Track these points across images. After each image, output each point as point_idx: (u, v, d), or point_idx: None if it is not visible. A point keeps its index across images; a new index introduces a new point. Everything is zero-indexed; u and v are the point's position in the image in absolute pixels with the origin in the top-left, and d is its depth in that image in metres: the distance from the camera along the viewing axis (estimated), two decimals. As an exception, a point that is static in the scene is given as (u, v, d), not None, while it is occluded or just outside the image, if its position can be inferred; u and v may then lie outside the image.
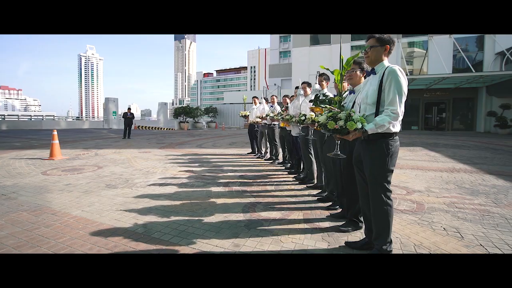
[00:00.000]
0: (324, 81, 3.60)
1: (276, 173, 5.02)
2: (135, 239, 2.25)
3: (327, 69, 2.26)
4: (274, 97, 6.35)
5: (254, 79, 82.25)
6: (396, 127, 1.86)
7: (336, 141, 2.05)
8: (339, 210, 2.89)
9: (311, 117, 3.02)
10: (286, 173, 5.00)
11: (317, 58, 26.49)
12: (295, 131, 4.65)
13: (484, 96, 20.59)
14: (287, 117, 3.78)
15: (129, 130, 12.44)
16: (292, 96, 5.25)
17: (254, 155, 7.27)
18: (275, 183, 4.27)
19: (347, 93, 2.39)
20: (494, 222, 2.78)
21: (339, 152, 2.03)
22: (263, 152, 6.89)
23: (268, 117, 5.80)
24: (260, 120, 6.61)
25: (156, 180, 4.34)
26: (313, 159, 4.17)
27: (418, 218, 2.84)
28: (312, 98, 3.05)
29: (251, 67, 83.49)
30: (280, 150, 6.18)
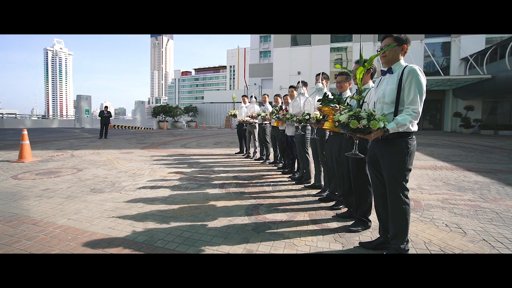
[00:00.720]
0: (324, 80, 3.58)
1: (270, 173, 4.94)
2: (137, 249, 2.05)
3: (345, 68, 2.20)
4: (266, 96, 6.26)
5: (234, 78, 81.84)
6: (415, 126, 1.86)
7: (355, 141, 2.00)
8: (345, 210, 2.87)
9: (315, 116, 2.96)
10: (280, 173, 4.94)
11: (298, 59, 26.91)
12: (290, 130, 4.60)
13: (450, 98, 22.10)
14: (287, 116, 3.70)
15: (106, 129, 11.74)
16: (286, 95, 5.20)
17: (243, 155, 7.14)
18: (271, 183, 4.18)
19: (370, 90, 2.33)
20: (488, 217, 2.91)
21: (357, 152, 1.98)
22: (251, 152, 6.78)
23: (260, 116, 5.71)
24: (250, 119, 6.50)
25: (146, 182, 4.07)
26: (310, 159, 4.15)
27: (419, 215, 2.89)
28: (315, 97, 3.00)
29: (231, 66, 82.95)
30: (271, 150, 6.11)
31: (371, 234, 2.43)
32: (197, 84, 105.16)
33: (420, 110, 1.79)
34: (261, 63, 39.60)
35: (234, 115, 7.10)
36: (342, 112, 1.87)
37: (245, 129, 7.10)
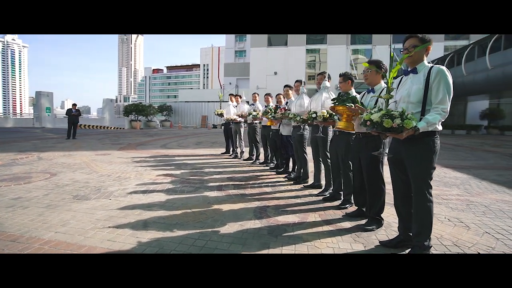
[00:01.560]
0: (327, 79, 3.56)
1: (264, 173, 4.84)
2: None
3: (376, 68, 2.15)
4: (256, 95, 6.14)
5: (207, 77, 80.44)
6: (440, 126, 1.87)
7: (383, 140, 1.97)
8: (355, 209, 2.85)
9: (322, 115, 2.91)
10: (274, 173, 4.86)
11: (274, 59, 27.15)
12: (286, 130, 4.54)
13: (416, 100, 23.76)
14: (290, 115, 3.62)
15: (75, 129, 10.79)
16: (278, 94, 5.13)
17: (229, 155, 6.95)
18: (269, 184, 4.08)
19: (394, 88, 2.28)
20: (480, 210, 3.08)
21: (386, 151, 1.95)
22: (238, 152, 6.61)
23: (251, 115, 5.58)
24: (239, 118, 6.33)
25: (135, 187, 3.74)
26: (308, 158, 4.12)
27: (422, 212, 2.98)
28: (321, 95, 2.96)
29: (204, 65, 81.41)
30: (261, 150, 6.01)
31: (386, 232, 2.44)
32: (169, 83, 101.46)
33: (449, 109, 1.81)
34: (236, 62, 39.38)
35: (221, 114, 6.87)
36: (372, 111, 1.83)
37: (230, 128, 6.91)
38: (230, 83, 32.73)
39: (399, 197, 2.14)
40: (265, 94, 5.72)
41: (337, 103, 2.52)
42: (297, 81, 4.17)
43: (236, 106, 6.54)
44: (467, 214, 2.94)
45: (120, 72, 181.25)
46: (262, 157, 5.99)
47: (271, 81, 26.92)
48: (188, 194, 3.45)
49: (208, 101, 27.48)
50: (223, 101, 7.76)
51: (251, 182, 4.15)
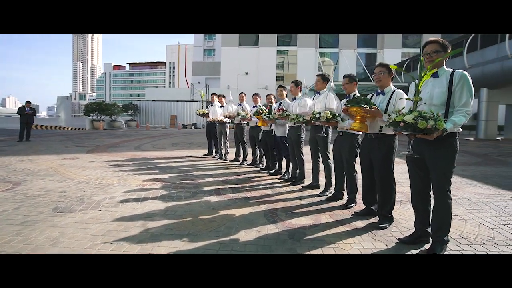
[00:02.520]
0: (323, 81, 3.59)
1: (257, 175, 4.74)
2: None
3: (402, 69, 2.17)
4: (243, 95, 6.00)
5: (173, 75, 77.63)
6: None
7: (410, 140, 2.00)
8: (362, 208, 2.89)
9: (326, 115, 2.90)
10: (266, 174, 4.78)
11: (246, 59, 27.09)
12: (280, 131, 4.49)
13: (378, 101, 25.56)
14: (293, 116, 3.56)
15: (28, 130, 9.55)
16: (269, 95, 5.06)
17: (213, 157, 6.71)
18: (267, 186, 3.99)
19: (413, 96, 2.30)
20: (466, 203, 3.34)
21: (412, 152, 1.99)
22: (223, 153, 6.41)
23: (240, 116, 5.43)
24: (224, 119, 6.14)
25: (124, 195, 3.37)
26: (305, 159, 4.11)
27: (420, 208, 3.13)
28: (328, 95, 2.96)
29: (170, 62, 78.38)
30: (249, 151, 5.89)
31: (398, 229, 2.50)
32: (132, 80, 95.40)
33: (472, 111, 1.90)
34: (205, 61, 38.55)
35: (203, 115, 6.60)
36: (404, 113, 1.85)
37: (215, 129, 6.67)
38: (198, 82, 31.90)
39: (416, 195, 2.21)
40: (253, 94, 5.61)
41: (349, 105, 2.53)
42: (292, 82, 4.14)
43: (221, 106, 6.32)
44: (457, 207, 3.16)
45: (75, 68, 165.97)
46: (249, 158, 5.87)
47: (242, 81, 26.82)
48: (186, 200, 3.21)
49: (178, 101, 26.45)
50: (205, 101, 7.47)
51: (248, 185, 4.02)
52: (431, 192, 2.16)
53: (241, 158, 6.00)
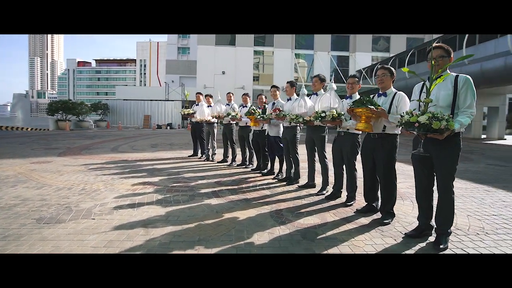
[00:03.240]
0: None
1: (250, 175, 4.68)
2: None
3: (413, 72, 2.24)
4: (231, 95, 5.89)
5: (145, 73, 74.50)
6: None
7: (421, 140, 2.08)
8: (364, 205, 2.96)
9: (331, 114, 2.94)
10: (259, 175, 4.74)
11: (223, 58, 26.79)
12: (273, 131, 4.47)
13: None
14: (291, 116, 3.54)
15: (-15, 131, 8.52)
16: (260, 95, 5.03)
17: (199, 158, 6.52)
18: (264, 187, 3.95)
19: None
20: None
21: (423, 151, 2.07)
22: (210, 154, 6.26)
23: (230, 116, 5.32)
24: (212, 119, 5.99)
25: (115, 200, 3.13)
26: (300, 159, 4.14)
27: (411, 202, 3.30)
28: (331, 96, 3.00)
29: (141, 60, 75.07)
30: (237, 151, 5.81)
31: (399, 224, 2.61)
32: (99, 78, 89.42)
33: (475, 112, 2.03)
34: (179, 59, 37.52)
35: (188, 114, 6.37)
36: (417, 114, 1.92)
37: (202, 130, 6.49)
38: (172, 81, 30.96)
39: (421, 192, 2.32)
40: (243, 94, 5.55)
41: (354, 106, 2.59)
42: (288, 82, 4.15)
43: (208, 106, 6.16)
44: (461, 204, 3.36)
45: (33, 63, 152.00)
46: (238, 159, 5.78)
47: (219, 81, 26.49)
48: (186, 204, 3.06)
49: (151, 100, 25.40)
50: (184, 100, 7.24)
51: (244, 186, 3.95)
52: (434, 188, 2.29)
53: (229, 159, 5.90)
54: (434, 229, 2.30)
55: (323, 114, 2.93)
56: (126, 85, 75.65)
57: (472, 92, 2.03)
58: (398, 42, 27.71)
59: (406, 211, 2.99)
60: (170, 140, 11.15)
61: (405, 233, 2.37)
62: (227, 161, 5.94)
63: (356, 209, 2.96)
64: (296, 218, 2.71)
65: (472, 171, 5.46)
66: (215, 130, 6.22)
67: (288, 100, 4.17)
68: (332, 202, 3.26)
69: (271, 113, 4.00)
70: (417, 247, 2.17)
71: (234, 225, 2.49)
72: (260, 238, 2.23)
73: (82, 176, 4.29)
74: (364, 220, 2.69)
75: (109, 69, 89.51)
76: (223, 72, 26.78)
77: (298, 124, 3.97)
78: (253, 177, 4.54)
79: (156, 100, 25.47)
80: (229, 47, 27.03)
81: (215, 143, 6.27)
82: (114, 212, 2.73)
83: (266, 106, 4.60)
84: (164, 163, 5.75)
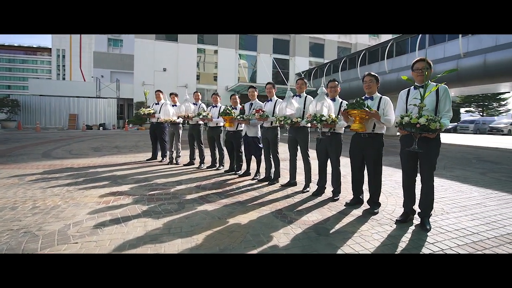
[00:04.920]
0: (304, 85, 3.82)
1: (228, 177, 4.55)
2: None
3: (411, 80, 2.50)
4: (198, 94, 5.59)
5: (64, 66, 64.12)
6: None
7: (415, 138, 2.37)
8: (351, 198, 3.23)
9: (331, 118, 3.10)
10: (237, 176, 4.65)
11: (163, 54, 25.15)
12: (252, 131, 4.45)
13: (293, 103, 28.47)
14: (280, 118, 3.56)
15: None
16: (234, 95, 4.92)
17: (160, 161, 6.01)
18: (249, 188, 3.90)
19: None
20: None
21: (416, 147, 2.37)
22: (174, 157, 5.84)
23: (201, 116, 5.06)
24: (178, 119, 5.59)
25: (91, 217, 2.62)
26: (280, 158, 4.24)
27: (399, 192, 3.75)
28: (324, 99, 3.18)
29: (59, 50, 64.20)
30: (206, 152, 5.57)
31: (386, 212, 2.94)
32: (-1, 68, 72.61)
33: (452, 115, 2.44)
34: (110, 52, 33.59)
35: (149, 115, 5.79)
36: (417, 116, 2.20)
37: (163, 131, 5.98)
38: (102, 76, 27.53)
39: (409, 182, 2.68)
40: (213, 94, 5.36)
41: (349, 108, 2.80)
42: (269, 83, 4.18)
43: (173, 105, 5.71)
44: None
45: None
46: (207, 160, 5.55)
47: (159, 78, 24.79)
48: (179, 213, 2.79)
49: (78, 97, 22.06)
50: (116, 98, 6.58)
51: (228, 189, 3.82)
52: (417, 178, 2.67)
53: (196, 161, 5.62)
54: (418, 213, 2.68)
55: (324, 118, 3.06)
56: (38, 77, 63.48)
57: (449, 98, 2.44)
58: (330, 50, 30.77)
59: (382, 200, 3.37)
60: (113, 143, 9.91)
61: (396, 220, 2.69)
62: (194, 164, 5.64)
63: (346, 203, 3.21)
64: (299, 216, 2.78)
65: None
66: (180, 131, 5.82)
67: (268, 101, 4.22)
68: (320, 198, 3.45)
69: (254, 114, 3.97)
70: (410, 230, 2.50)
71: (246, 229, 2.40)
72: (280, 239, 2.22)
73: (23, 191, 3.46)
74: (357, 212, 2.95)
75: (14, 57, 73.20)
76: (164, 69, 25.14)
77: (279, 125, 4.07)
78: (231, 179, 4.43)
79: (83, 97, 22.19)
80: (170, 42, 25.52)
81: (180, 145, 5.87)
82: (99, 232, 2.30)
83: (240, 106, 4.56)
84: (122, 169, 5.09)
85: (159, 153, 6.19)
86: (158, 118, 5.86)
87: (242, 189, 3.81)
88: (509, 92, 30.46)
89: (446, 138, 15.49)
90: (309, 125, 3.70)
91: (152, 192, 3.52)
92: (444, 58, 13.51)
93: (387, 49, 17.51)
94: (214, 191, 3.68)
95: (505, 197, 3.65)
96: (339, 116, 3.21)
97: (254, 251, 2.00)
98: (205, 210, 2.88)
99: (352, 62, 21.36)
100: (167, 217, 2.66)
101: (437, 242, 2.26)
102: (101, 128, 20.27)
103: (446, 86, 2.47)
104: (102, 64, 29.76)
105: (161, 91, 6.03)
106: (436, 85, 2.44)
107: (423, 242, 2.26)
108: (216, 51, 27.14)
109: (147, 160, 6.14)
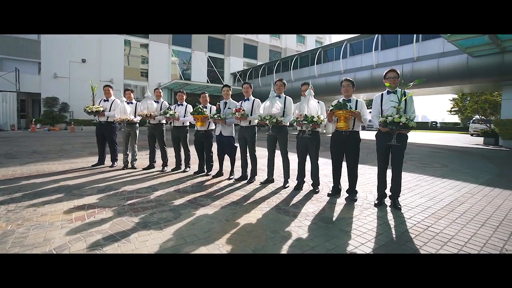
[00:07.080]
0: (283, 86, 4.00)
1: (203, 179, 4.38)
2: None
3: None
4: (160, 91, 5.12)
5: None
6: None
7: (394, 134, 2.83)
8: (332, 189, 3.61)
9: (320, 119, 3.33)
10: (211, 177, 4.52)
11: (83, 43, 21.80)
12: (227, 131, 4.40)
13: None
14: (267, 117, 3.61)
15: None
16: (203, 93, 4.74)
17: (110, 166, 5.27)
18: (232, 187, 3.87)
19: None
20: (375, 178, 4.93)
21: (395, 141, 2.84)
22: (130, 160, 5.24)
23: (168, 114, 4.68)
24: (136, 118, 5.01)
25: (75, 238, 2.16)
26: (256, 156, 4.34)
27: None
28: (311, 101, 3.45)
29: None
30: (168, 154, 5.20)
31: (362, 197, 3.42)
32: None
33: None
34: (7, 35, 26.89)
35: (98, 112, 5.00)
36: (398, 116, 2.66)
37: (114, 132, 5.27)
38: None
39: (383, 171, 3.20)
40: (178, 92, 5.03)
41: (334, 109, 3.14)
42: (246, 83, 4.21)
43: (129, 103, 5.07)
44: (374, 178, 4.62)
45: None
46: (170, 163, 5.19)
47: (76, 70, 21.34)
48: (180, 221, 2.58)
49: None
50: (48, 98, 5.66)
51: (212, 190, 3.71)
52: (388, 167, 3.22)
53: (157, 164, 5.18)
54: (389, 196, 3.22)
55: (315, 119, 3.28)
56: None
57: (413, 102, 3.01)
58: (263, 52, 32.19)
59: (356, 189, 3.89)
60: (29, 147, 8.08)
61: (374, 203, 3.17)
62: (154, 167, 5.18)
63: (328, 193, 3.57)
64: (297, 209, 2.96)
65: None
66: (137, 132, 5.24)
67: (245, 100, 4.25)
68: (302, 192, 3.72)
69: (235, 113, 3.95)
70: (388, 210, 3.01)
71: (262, 228, 2.43)
72: (298, 232, 2.34)
73: None
74: (340, 201, 3.33)
75: None
76: (84, 60, 21.73)
77: (258, 124, 4.17)
78: (206, 180, 4.30)
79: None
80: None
81: (136, 147, 5.29)
82: (102, 251, 1.94)
83: (210, 105, 4.46)
84: (67, 178, 4.26)
85: (108, 157, 5.42)
86: (108, 117, 5.13)
87: (226, 190, 3.75)
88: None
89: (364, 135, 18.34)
90: (288, 124, 3.94)
91: (131, 202, 3.11)
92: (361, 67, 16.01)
93: (316, 56, 19.51)
94: (198, 194, 3.51)
95: (429, 179, 4.68)
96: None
97: (287, 248, 2.07)
98: (206, 214, 2.75)
99: (285, 66, 22.95)
100: (170, 226, 2.44)
101: (413, 216, 2.80)
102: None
103: (411, 93, 3.05)
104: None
105: (110, 87, 5.28)
106: (410, 92, 2.97)
107: (404, 218, 2.76)
108: (146, 45, 24.94)
109: (92, 166, 5.29)
